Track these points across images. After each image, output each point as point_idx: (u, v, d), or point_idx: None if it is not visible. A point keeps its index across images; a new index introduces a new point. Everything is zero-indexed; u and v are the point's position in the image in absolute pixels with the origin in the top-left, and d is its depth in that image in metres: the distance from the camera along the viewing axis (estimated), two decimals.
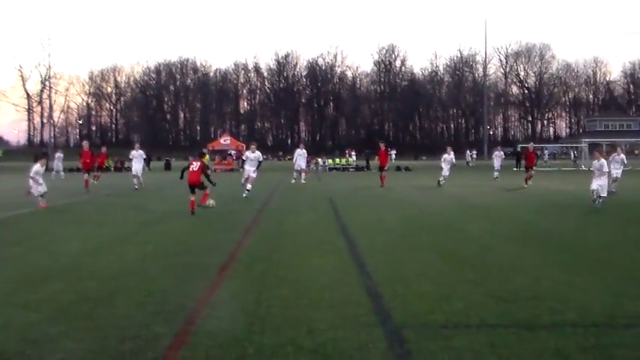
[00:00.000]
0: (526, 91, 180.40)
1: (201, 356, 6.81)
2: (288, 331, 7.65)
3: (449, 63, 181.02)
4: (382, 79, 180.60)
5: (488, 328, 7.84)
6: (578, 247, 14.17)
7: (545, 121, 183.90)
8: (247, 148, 31.47)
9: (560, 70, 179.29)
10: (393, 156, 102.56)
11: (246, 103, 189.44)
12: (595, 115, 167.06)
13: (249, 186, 28.70)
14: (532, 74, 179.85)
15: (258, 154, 29.33)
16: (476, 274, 10.97)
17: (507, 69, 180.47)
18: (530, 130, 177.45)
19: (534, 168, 38.30)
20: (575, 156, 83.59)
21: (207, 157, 23.32)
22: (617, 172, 30.42)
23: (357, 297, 9.35)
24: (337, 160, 76.36)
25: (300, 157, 43.08)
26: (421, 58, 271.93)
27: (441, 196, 29.65)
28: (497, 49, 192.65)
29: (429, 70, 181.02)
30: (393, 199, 27.98)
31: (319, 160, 73.33)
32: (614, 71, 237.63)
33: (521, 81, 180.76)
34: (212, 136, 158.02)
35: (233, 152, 72.27)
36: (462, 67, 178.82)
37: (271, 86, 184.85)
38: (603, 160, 21.72)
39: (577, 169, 66.32)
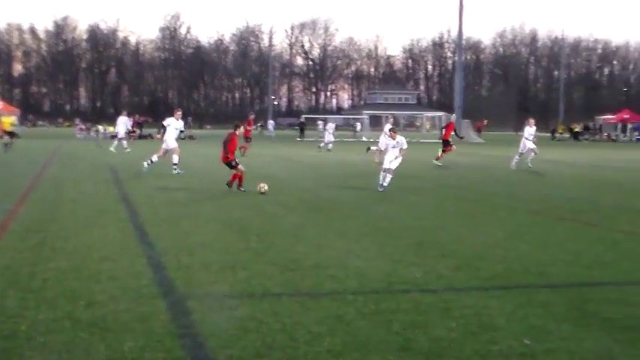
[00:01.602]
0: (310, 63, 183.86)
1: None
2: (66, 305, 7.27)
3: (235, 32, 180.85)
4: (167, 46, 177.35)
5: (272, 296, 7.85)
6: (360, 216, 14.60)
7: (329, 93, 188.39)
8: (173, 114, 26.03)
9: (343, 43, 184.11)
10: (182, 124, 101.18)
11: (20, 66, 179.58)
12: (376, 88, 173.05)
13: (155, 157, 24.44)
14: (317, 46, 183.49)
15: (181, 122, 25.72)
16: (260, 244, 11.00)
17: (293, 40, 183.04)
18: (314, 101, 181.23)
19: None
20: (356, 128, 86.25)
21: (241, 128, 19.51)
22: (531, 144, 30.09)
23: (139, 268, 9.09)
24: None
25: (122, 124, 41.46)
26: (207, 26, 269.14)
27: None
28: (283, 20, 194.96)
29: (215, 39, 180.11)
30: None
31: (99, 127, 70.87)
32: (394, 46, 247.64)
33: (305, 52, 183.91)
34: None
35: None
36: (247, 36, 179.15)
37: (48, 49, 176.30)
38: (401, 138, 20.51)
39: (358, 141, 68.49)
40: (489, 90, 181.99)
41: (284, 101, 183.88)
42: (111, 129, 69.74)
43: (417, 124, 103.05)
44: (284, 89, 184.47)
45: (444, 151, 32.12)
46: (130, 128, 42.94)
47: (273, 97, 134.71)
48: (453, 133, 33.14)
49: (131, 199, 16.73)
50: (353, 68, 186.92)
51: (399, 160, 20.12)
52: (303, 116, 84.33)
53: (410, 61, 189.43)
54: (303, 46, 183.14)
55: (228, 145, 19.17)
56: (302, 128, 72.71)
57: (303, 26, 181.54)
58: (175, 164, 24.19)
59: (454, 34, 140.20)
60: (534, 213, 15.66)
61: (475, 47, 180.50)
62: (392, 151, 20.16)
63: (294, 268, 9.25)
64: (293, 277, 8.75)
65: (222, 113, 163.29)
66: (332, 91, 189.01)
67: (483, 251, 10.67)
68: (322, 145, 46.09)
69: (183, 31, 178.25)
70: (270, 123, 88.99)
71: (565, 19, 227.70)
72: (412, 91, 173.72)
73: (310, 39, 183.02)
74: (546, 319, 7.03)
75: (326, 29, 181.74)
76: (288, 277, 8.78)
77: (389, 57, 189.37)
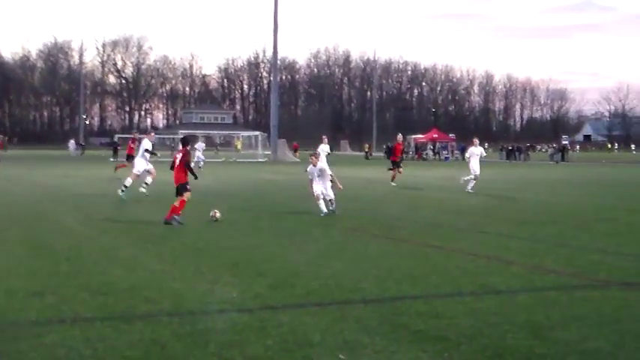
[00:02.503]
0: (124, 81, 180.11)
1: None
2: None
3: (42, 48, 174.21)
4: None
5: (83, 322, 7.56)
6: (176, 237, 14.38)
7: (143, 112, 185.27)
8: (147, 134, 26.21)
9: (157, 61, 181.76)
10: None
11: None
12: (191, 108, 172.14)
13: (129, 181, 22.99)
14: (130, 64, 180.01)
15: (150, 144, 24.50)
16: (70, 267, 10.60)
17: (104, 58, 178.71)
18: (127, 121, 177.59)
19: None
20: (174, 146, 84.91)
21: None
22: (476, 167, 28.39)
23: None
24: None
25: None
26: (11, 41, 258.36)
27: (34, 186, 28.45)
28: (94, 37, 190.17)
29: (20, 55, 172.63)
30: None
31: None
32: (210, 65, 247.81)
33: (118, 70, 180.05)
34: None
35: None
36: (56, 53, 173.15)
37: None
38: (322, 164, 19.26)
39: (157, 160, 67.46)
40: (305, 110, 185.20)
41: (96, 120, 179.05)
42: None
43: (235, 144, 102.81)
44: (96, 108, 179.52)
45: (390, 169, 32.46)
46: None
47: (84, 116, 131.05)
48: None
49: None
50: (168, 87, 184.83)
51: (328, 183, 18.93)
52: (117, 136, 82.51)
53: (225, 80, 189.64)
54: (115, 64, 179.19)
55: (182, 160, 16.68)
56: (115, 148, 71.09)
57: (115, 44, 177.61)
58: (146, 184, 23.81)
59: (269, 53, 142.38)
60: (349, 230, 15.97)
61: (290, 67, 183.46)
62: (318, 181, 18.86)
63: (106, 291, 8.97)
64: (106, 301, 8.48)
65: (30, 133, 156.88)
66: (146, 110, 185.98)
67: (299, 269, 10.77)
68: (193, 164, 45.29)
69: None
70: (71, 143, 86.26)
71: (377, 42, 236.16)
72: (228, 111, 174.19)
73: (123, 57, 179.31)
74: (360, 334, 7.16)
75: (139, 47, 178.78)
76: (100, 301, 8.50)
77: (204, 76, 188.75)
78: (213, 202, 21.81)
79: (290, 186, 29.73)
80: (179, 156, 16.89)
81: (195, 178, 17.24)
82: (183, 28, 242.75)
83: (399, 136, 34.90)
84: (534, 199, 25.81)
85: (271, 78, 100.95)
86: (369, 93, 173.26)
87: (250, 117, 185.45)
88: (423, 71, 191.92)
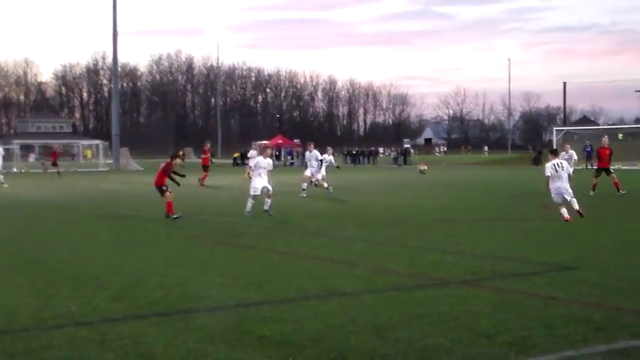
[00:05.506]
0: None
1: None
2: None
3: None
4: None
5: None
6: (9, 250, 13.78)
7: None
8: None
9: None
10: None
11: None
12: (27, 117, 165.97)
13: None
14: None
15: None
16: None
17: None
18: None
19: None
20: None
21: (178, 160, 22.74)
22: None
23: None
24: None
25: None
26: None
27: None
28: None
29: None
30: None
31: None
32: (45, 72, 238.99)
33: None
34: None
35: None
36: None
37: None
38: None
39: (8, 171, 64.72)
40: (147, 117, 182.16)
41: None
42: None
43: (85, 153, 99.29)
44: None
45: (597, 176, 27.62)
46: None
47: None
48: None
49: None
50: (0, 95, 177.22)
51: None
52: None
53: (63, 88, 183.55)
54: None
55: (165, 168, 20.13)
56: None
57: None
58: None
59: (109, 60, 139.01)
60: (193, 238, 15.74)
61: (132, 74, 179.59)
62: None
63: None
64: None
65: None
66: None
67: (141, 279, 10.51)
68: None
69: None
70: None
71: (219, 48, 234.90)
72: (67, 120, 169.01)
73: None
74: (204, 343, 7.04)
75: None
76: None
77: (40, 84, 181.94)
78: (53, 215, 21.13)
79: (133, 195, 29.11)
80: (163, 164, 20.38)
81: (178, 185, 20.58)
82: (16, 33, 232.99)
83: (605, 139, 29.00)
84: (378, 201, 26.36)
85: (112, 85, 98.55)
86: (213, 99, 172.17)
87: (91, 125, 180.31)
88: (267, 77, 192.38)
